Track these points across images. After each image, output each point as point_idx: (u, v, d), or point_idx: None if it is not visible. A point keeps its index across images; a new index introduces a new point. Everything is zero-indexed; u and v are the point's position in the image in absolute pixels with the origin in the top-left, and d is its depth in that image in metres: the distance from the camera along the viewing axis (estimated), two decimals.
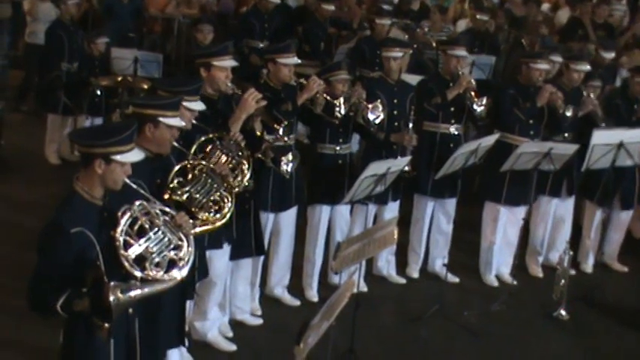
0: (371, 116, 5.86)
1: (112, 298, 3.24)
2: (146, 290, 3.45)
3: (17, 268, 5.29)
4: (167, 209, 3.68)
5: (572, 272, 6.76)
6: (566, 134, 6.74)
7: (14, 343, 5.22)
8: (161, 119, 3.93)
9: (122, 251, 3.46)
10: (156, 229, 3.57)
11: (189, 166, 4.27)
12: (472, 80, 6.41)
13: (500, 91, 6.82)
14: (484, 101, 6.35)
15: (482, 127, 7.76)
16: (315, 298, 6.25)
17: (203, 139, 4.45)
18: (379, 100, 5.94)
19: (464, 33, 9.99)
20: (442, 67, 6.73)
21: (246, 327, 5.74)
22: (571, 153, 6.41)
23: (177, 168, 4.20)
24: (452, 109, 6.48)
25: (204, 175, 4.26)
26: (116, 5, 10.39)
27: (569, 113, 6.58)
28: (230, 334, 5.56)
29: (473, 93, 6.36)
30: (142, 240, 3.52)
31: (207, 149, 4.43)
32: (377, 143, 6.18)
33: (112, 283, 3.27)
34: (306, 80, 5.67)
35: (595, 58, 8.19)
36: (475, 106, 6.34)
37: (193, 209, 4.16)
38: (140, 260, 3.50)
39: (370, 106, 5.86)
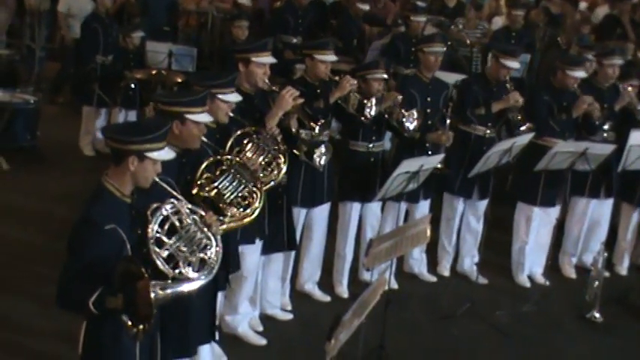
0: (405, 123, 5.82)
1: (152, 295, 3.20)
2: (181, 288, 3.43)
3: (51, 258, 5.34)
4: (196, 208, 3.67)
5: (607, 274, 6.67)
6: (605, 134, 6.66)
7: (48, 331, 5.28)
8: (188, 116, 3.91)
9: (155, 249, 3.45)
10: (186, 228, 3.56)
11: (217, 161, 4.26)
12: (520, 99, 6.31)
13: (534, 94, 6.72)
14: (527, 124, 6.30)
15: None
16: (346, 294, 6.24)
17: (240, 132, 4.46)
18: (415, 109, 5.89)
19: (499, 31, 9.90)
20: (489, 71, 6.64)
21: (277, 321, 5.75)
22: (607, 153, 6.32)
23: (205, 163, 4.17)
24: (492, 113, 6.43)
25: (232, 170, 4.24)
26: None
27: (606, 127, 6.50)
28: (260, 329, 5.58)
29: (519, 113, 6.31)
30: (173, 239, 3.52)
31: (244, 142, 4.44)
32: (410, 142, 6.14)
33: (152, 281, 3.24)
34: (340, 77, 5.66)
35: (634, 59, 8.06)
36: (521, 126, 6.31)
37: (222, 205, 4.14)
38: (170, 259, 3.49)
39: (406, 113, 5.82)
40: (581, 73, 6.50)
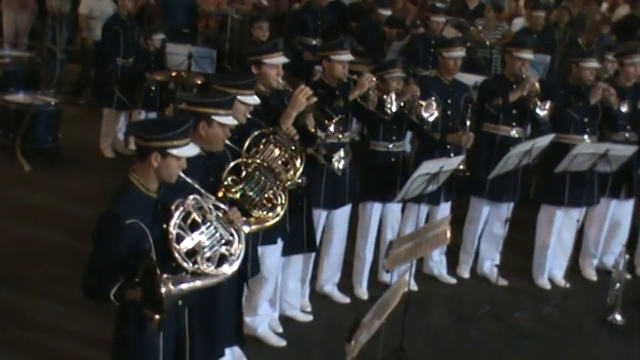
0: (424, 114, 5.82)
1: (163, 290, 3.26)
2: (197, 283, 3.49)
3: (72, 258, 5.40)
4: (220, 204, 3.70)
5: (628, 276, 6.62)
6: (627, 134, 6.62)
7: (69, 331, 5.31)
8: (214, 117, 3.95)
9: (175, 244, 3.50)
10: (208, 223, 3.60)
11: (243, 163, 4.28)
12: (537, 84, 6.29)
13: (550, 90, 6.70)
14: (547, 105, 6.23)
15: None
16: (365, 296, 6.24)
17: (257, 133, 4.47)
18: (433, 98, 5.89)
19: (520, 32, 9.85)
20: (506, 69, 6.63)
21: (296, 323, 5.75)
22: (629, 155, 6.28)
23: (231, 165, 4.21)
24: (514, 111, 6.38)
25: (257, 172, 4.26)
26: (171, 1, 10.50)
27: (624, 109, 6.46)
28: (280, 330, 5.58)
29: (537, 97, 6.26)
30: (195, 234, 3.55)
31: (261, 144, 4.45)
32: (431, 143, 6.13)
33: (164, 275, 3.30)
34: (358, 77, 5.66)
35: None
36: (538, 110, 6.23)
37: (247, 207, 4.17)
38: (191, 254, 3.53)
39: (424, 104, 5.81)
40: (594, 64, 6.47)
